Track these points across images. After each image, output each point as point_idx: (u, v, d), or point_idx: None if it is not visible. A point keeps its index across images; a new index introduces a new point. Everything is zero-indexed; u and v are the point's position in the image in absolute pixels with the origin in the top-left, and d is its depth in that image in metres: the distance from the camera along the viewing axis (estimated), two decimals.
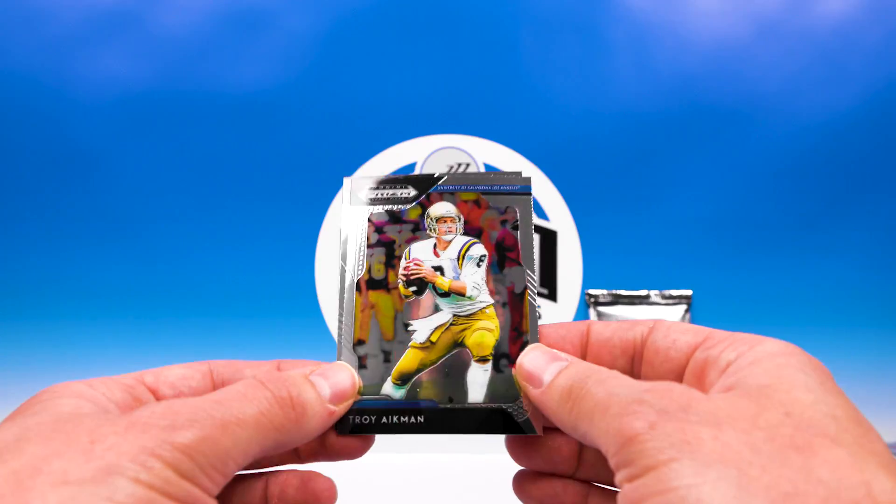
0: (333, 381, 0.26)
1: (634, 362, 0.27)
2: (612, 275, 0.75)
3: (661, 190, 0.76)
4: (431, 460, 0.71)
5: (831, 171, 0.75)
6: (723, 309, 0.75)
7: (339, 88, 0.75)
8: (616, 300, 0.75)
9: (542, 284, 0.75)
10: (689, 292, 0.75)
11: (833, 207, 0.75)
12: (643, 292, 0.75)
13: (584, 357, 0.27)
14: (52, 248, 0.74)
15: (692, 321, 0.74)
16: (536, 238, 0.75)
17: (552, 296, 0.75)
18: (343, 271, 0.31)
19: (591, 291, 0.75)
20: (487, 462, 0.71)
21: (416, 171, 0.75)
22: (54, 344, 0.73)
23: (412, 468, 0.67)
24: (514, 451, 0.29)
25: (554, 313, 0.75)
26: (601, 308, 0.74)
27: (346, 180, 0.31)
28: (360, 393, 0.27)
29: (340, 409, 0.26)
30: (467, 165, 0.75)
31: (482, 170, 0.75)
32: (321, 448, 0.27)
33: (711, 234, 0.75)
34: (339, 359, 0.28)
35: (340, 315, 0.30)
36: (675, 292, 0.75)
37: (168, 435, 0.20)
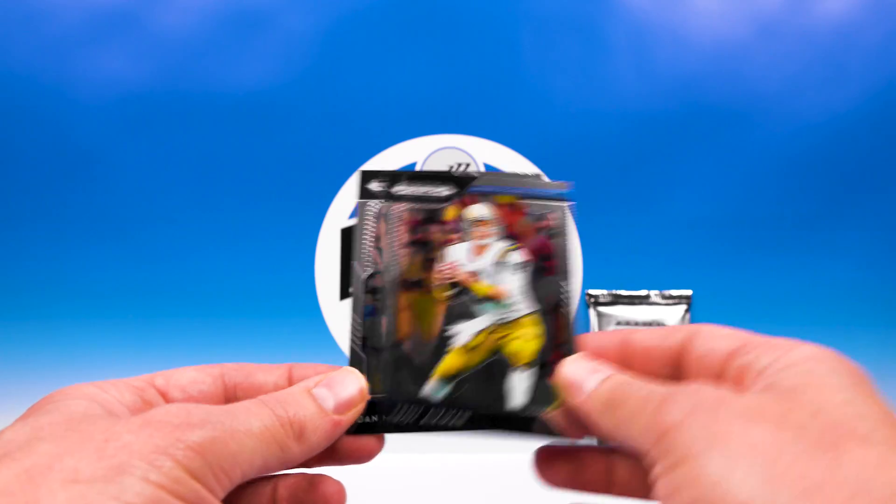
0: (338, 390, 0.26)
1: (676, 371, 0.27)
2: (612, 275, 0.75)
3: (661, 190, 0.76)
4: (439, 460, 0.71)
5: (831, 171, 0.75)
6: (723, 309, 0.75)
7: (339, 88, 0.75)
8: (616, 300, 0.75)
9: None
10: (689, 292, 0.75)
11: (833, 207, 0.75)
12: (643, 292, 0.75)
13: (625, 366, 0.27)
14: (52, 248, 0.74)
15: (692, 321, 0.74)
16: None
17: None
18: (356, 269, 0.31)
19: (591, 291, 0.75)
20: (496, 462, 0.71)
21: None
22: (54, 344, 0.73)
23: (419, 469, 0.67)
24: (544, 464, 0.29)
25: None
26: (601, 308, 0.74)
27: (359, 171, 0.31)
28: (375, 393, 0.27)
29: (348, 417, 0.26)
30: (467, 165, 0.75)
31: (482, 169, 0.75)
32: (329, 452, 0.27)
33: (711, 234, 0.75)
34: (350, 363, 0.28)
35: (356, 317, 0.30)
36: (675, 292, 0.75)
37: (181, 433, 0.21)
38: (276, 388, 0.28)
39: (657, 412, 0.21)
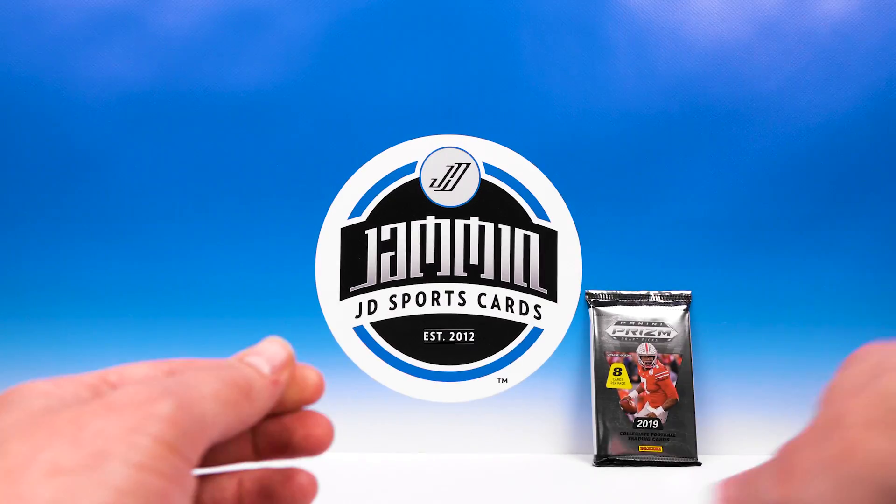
0: (269, 356, 0.28)
1: None
2: (612, 275, 0.75)
3: (661, 190, 0.76)
4: (439, 460, 0.71)
5: (831, 171, 0.75)
6: (723, 309, 0.75)
7: (339, 88, 0.75)
8: (616, 300, 0.75)
9: (542, 284, 0.75)
10: (688, 292, 0.75)
11: (833, 207, 0.75)
12: (643, 292, 0.75)
13: None
14: (52, 248, 0.74)
15: (692, 321, 0.74)
16: (536, 238, 0.75)
17: (552, 296, 0.75)
18: None
19: (591, 291, 0.75)
20: (495, 462, 0.71)
21: (416, 172, 0.75)
22: (54, 344, 0.73)
23: (418, 468, 0.67)
24: None
25: (554, 313, 0.75)
26: (601, 308, 0.74)
27: None
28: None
29: (283, 377, 0.27)
30: (467, 165, 0.75)
31: (482, 169, 0.75)
32: (281, 446, 0.28)
33: (711, 234, 0.75)
34: None
35: None
36: (674, 292, 0.75)
37: (148, 408, 0.20)
38: None
39: None
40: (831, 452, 0.20)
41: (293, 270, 0.74)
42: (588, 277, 0.75)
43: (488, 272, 0.75)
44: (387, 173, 0.75)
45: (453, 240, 0.75)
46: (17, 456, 0.19)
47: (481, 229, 0.75)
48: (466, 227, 0.75)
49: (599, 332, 0.73)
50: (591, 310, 0.75)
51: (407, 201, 0.75)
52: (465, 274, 0.75)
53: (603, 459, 0.70)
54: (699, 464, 0.70)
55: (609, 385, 0.72)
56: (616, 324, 0.74)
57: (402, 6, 0.75)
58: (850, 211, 0.75)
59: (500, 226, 0.75)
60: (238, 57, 0.74)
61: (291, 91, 0.74)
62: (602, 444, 0.71)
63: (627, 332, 0.73)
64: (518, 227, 0.75)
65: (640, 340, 0.73)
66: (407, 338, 0.74)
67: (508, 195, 0.75)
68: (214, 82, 0.74)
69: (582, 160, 0.75)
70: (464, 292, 0.75)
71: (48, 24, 0.73)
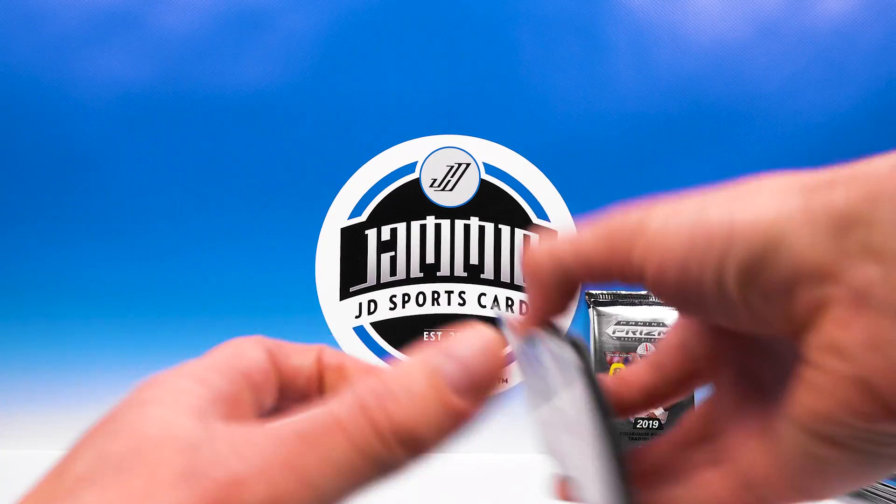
0: (458, 357, 0.20)
1: None
2: None
3: (661, 190, 0.75)
4: (440, 460, 0.71)
5: None
6: None
7: (339, 88, 0.75)
8: (616, 300, 0.75)
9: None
10: None
11: None
12: (643, 292, 0.75)
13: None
14: (52, 248, 0.74)
15: None
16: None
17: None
18: None
19: (591, 291, 0.75)
20: (496, 462, 0.71)
21: (416, 172, 0.75)
22: (54, 343, 0.73)
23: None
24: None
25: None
26: (601, 308, 0.74)
27: None
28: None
29: (482, 393, 0.20)
30: (467, 165, 0.75)
31: (482, 169, 0.75)
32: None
33: None
34: None
35: None
36: None
37: (228, 493, 0.17)
38: (309, 378, 0.25)
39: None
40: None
41: (293, 270, 0.74)
42: None
43: (488, 272, 0.75)
44: (387, 173, 0.75)
45: (453, 240, 0.75)
46: None
47: (481, 229, 0.75)
48: (466, 227, 0.75)
49: (599, 333, 0.73)
50: (590, 310, 0.75)
51: (407, 201, 0.75)
52: (465, 274, 0.75)
53: None
54: None
55: None
56: (616, 324, 0.74)
57: (403, 6, 0.75)
58: None
59: (500, 226, 0.75)
60: (238, 57, 0.74)
61: (292, 91, 0.74)
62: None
63: (627, 333, 0.73)
64: (518, 227, 0.75)
65: (640, 341, 0.73)
66: (407, 338, 0.74)
67: (508, 195, 0.75)
68: (214, 82, 0.74)
69: (582, 160, 0.75)
70: (464, 292, 0.75)
71: (48, 24, 0.73)
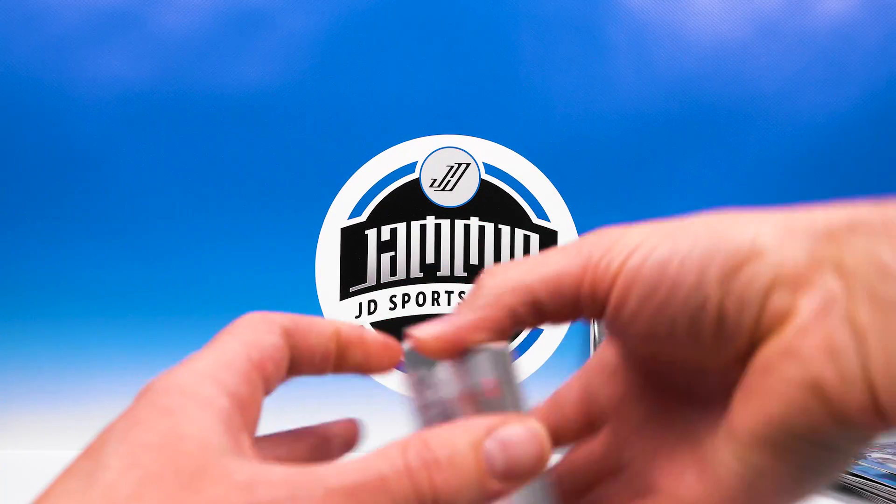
0: (514, 450, 0.20)
1: None
2: None
3: (661, 190, 0.76)
4: None
5: (831, 171, 0.75)
6: None
7: (339, 88, 0.75)
8: None
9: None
10: None
11: None
12: None
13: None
14: (52, 248, 0.74)
15: None
16: (536, 239, 0.75)
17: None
18: None
19: None
20: None
21: (416, 172, 0.75)
22: (54, 343, 0.73)
23: None
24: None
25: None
26: None
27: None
28: None
29: (521, 479, 0.20)
30: (467, 165, 0.75)
31: (482, 169, 0.75)
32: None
33: None
34: None
35: None
36: None
37: None
38: (325, 355, 0.25)
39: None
40: None
41: (293, 270, 0.74)
42: None
43: None
44: (387, 173, 0.75)
45: (453, 240, 0.75)
46: None
47: (481, 229, 0.75)
48: (466, 228, 0.75)
49: (599, 332, 0.73)
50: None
51: (407, 201, 0.75)
52: (465, 274, 0.75)
53: None
54: None
55: None
56: None
57: (403, 6, 0.75)
58: None
59: (500, 226, 0.75)
60: (238, 57, 0.74)
61: (291, 91, 0.74)
62: None
63: None
64: (518, 228, 0.75)
65: None
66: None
67: (508, 195, 0.75)
68: (214, 82, 0.74)
69: (582, 160, 0.75)
70: (464, 292, 0.75)
71: (48, 24, 0.73)
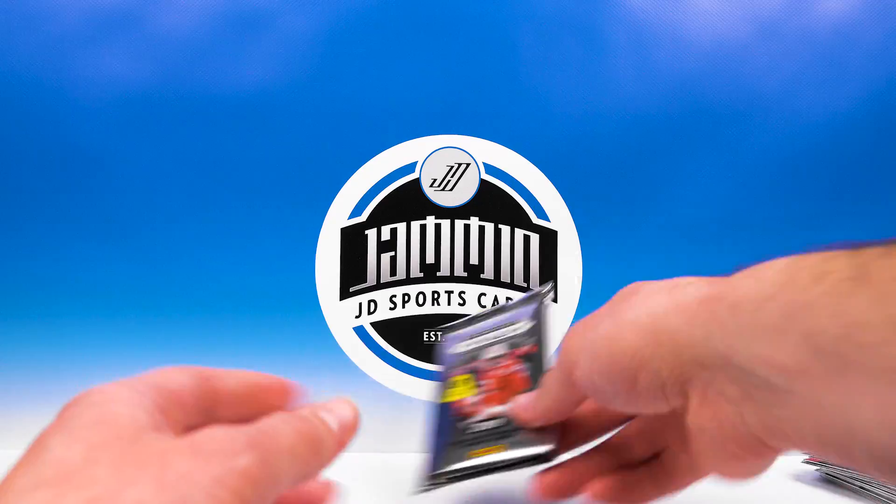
0: (339, 414, 0.28)
1: None
2: (612, 275, 0.75)
3: (661, 190, 0.76)
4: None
5: (831, 172, 0.75)
6: None
7: (339, 89, 0.75)
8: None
9: (542, 284, 0.75)
10: None
11: (833, 207, 0.75)
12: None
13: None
14: (52, 248, 0.74)
15: None
16: (536, 239, 0.75)
17: (552, 296, 0.75)
18: None
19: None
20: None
21: (416, 172, 0.75)
22: (54, 343, 0.73)
23: (414, 467, 0.67)
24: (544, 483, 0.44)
25: (554, 314, 0.75)
26: None
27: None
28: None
29: (348, 439, 0.28)
30: (467, 165, 0.75)
31: (482, 169, 0.75)
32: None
33: (711, 234, 0.75)
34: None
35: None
36: None
37: (232, 460, 0.21)
38: (243, 399, 0.30)
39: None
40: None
41: (293, 270, 0.74)
42: (588, 277, 0.75)
43: (488, 272, 0.75)
44: (387, 173, 0.75)
45: (453, 240, 0.75)
46: (104, 487, 0.19)
47: (481, 229, 0.75)
48: (466, 228, 0.75)
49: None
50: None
51: (407, 201, 0.75)
52: (465, 274, 0.75)
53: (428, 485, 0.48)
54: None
55: None
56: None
57: (402, 6, 0.75)
58: (851, 211, 0.75)
59: (500, 226, 0.75)
60: (238, 57, 0.74)
61: (291, 91, 0.74)
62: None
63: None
64: (518, 227, 0.75)
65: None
66: (407, 338, 0.74)
67: (508, 195, 0.75)
68: (214, 82, 0.74)
69: (582, 160, 0.75)
70: (464, 292, 0.75)
71: (48, 24, 0.73)
